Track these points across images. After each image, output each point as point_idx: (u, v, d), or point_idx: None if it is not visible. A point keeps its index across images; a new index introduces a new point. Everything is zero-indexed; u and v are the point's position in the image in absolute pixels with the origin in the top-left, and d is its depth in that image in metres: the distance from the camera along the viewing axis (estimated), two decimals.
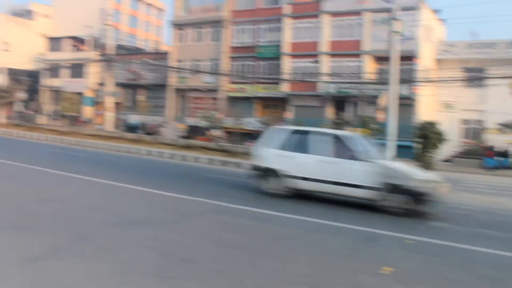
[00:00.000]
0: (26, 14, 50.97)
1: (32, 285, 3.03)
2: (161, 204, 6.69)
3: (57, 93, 37.10)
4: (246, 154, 15.55)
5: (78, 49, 37.37)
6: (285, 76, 26.58)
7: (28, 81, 34.84)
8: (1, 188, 7.18)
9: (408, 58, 21.06)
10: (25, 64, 36.97)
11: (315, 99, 25.96)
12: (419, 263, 4.61)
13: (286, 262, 4.11)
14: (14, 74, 33.50)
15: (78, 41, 37.41)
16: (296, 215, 6.36)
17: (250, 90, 28.28)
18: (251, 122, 26.56)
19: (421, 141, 18.14)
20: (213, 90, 29.30)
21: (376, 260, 4.52)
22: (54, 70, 36.79)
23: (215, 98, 29.39)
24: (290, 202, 7.75)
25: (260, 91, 28.09)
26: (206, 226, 5.35)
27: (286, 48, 26.87)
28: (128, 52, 37.38)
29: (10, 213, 5.27)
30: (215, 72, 28.99)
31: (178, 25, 31.53)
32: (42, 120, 33.07)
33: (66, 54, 36.41)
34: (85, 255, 3.82)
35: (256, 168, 8.35)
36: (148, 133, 25.74)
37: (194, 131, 27.57)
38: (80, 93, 34.89)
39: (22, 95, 33.49)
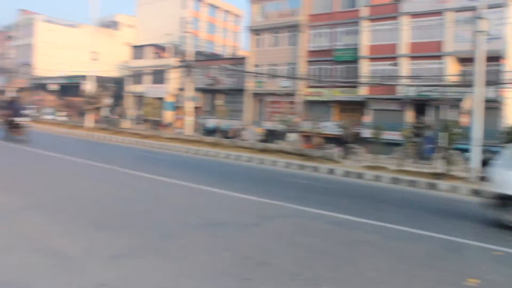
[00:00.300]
0: (112, 25, 61.66)
1: (119, 281, 3.81)
2: (239, 206, 7.74)
3: (140, 98, 44.89)
4: (323, 158, 17.66)
5: (160, 56, 45.17)
6: (363, 80, 30.40)
7: (114, 87, 45.13)
8: (88, 188, 8.55)
9: (494, 58, 23.01)
10: (111, 71, 44.82)
11: (394, 103, 29.51)
12: (508, 276, 4.93)
13: (364, 268, 4.61)
14: (101, 81, 43.98)
15: (159, 49, 45.78)
16: (374, 221, 6.98)
17: (327, 94, 32.88)
18: (328, 126, 30.75)
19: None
20: (290, 94, 34.56)
21: (460, 270, 4.87)
22: (137, 76, 44.76)
23: (292, 102, 34.57)
24: (366, 206, 8.85)
25: (337, 94, 32.50)
26: (283, 229, 6.13)
27: (363, 51, 31.06)
28: (206, 58, 44.10)
29: (97, 212, 6.29)
30: (292, 77, 34.05)
31: (255, 31, 37.76)
32: (126, 124, 42.45)
33: (148, 61, 44.90)
34: (167, 254, 4.60)
35: (493, 196, 7.81)
36: (228, 137, 29.86)
37: (271, 135, 32.49)
38: (161, 98, 42.49)
39: (108, 100, 43.69)
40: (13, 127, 17.47)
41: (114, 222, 5.90)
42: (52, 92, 54.48)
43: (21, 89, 58.57)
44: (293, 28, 35.88)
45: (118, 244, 4.87)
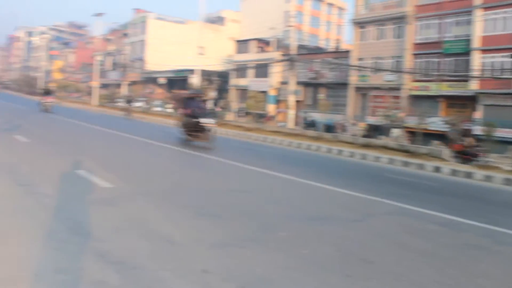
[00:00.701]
0: (218, 20, 68.11)
1: (222, 269, 4.07)
2: (341, 201, 8.03)
3: (243, 91, 49.23)
4: (429, 155, 17.98)
5: (263, 50, 49.18)
6: (475, 73, 30.94)
7: (219, 81, 50.87)
8: (194, 177, 9.39)
9: None
10: (216, 65, 49.93)
11: (510, 98, 29.91)
12: None
13: (474, 274, 4.63)
14: (207, 75, 49.75)
15: (263, 43, 49.89)
16: (485, 224, 6.95)
17: (435, 88, 33.87)
18: (435, 122, 31.49)
19: None
20: (395, 89, 36.03)
21: None
22: (241, 70, 49.23)
23: (396, 97, 35.95)
24: (475, 207, 8.91)
25: (445, 89, 33.42)
26: (386, 227, 6.33)
27: (476, 42, 31.60)
28: (309, 51, 47.12)
29: (201, 202, 6.84)
30: (397, 70, 35.49)
31: (359, 23, 39.84)
32: (229, 116, 48.29)
33: (252, 55, 49.08)
34: (269, 246, 4.87)
35: None
36: (331, 131, 31.48)
37: (374, 130, 33.93)
38: (264, 92, 46.29)
39: (213, 93, 49.34)
40: (196, 130, 15.52)
41: (218, 211, 6.33)
42: (161, 85, 62.30)
43: (133, 83, 67.64)
44: (399, 20, 37.42)
45: (222, 233, 5.24)
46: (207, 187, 8.32)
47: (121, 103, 44.40)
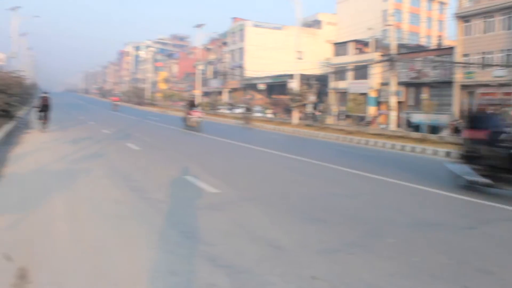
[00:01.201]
0: (314, 24, 70.35)
1: (331, 275, 4.11)
2: (451, 206, 7.80)
3: (342, 94, 49.71)
4: None
5: (362, 52, 49.13)
6: None
7: (318, 84, 52.32)
8: (299, 182, 9.54)
9: None
10: (314, 69, 52.75)
11: None
12: None
13: None
14: (305, 79, 51.32)
15: (361, 44, 49.87)
16: None
17: None
18: None
19: None
20: (507, 85, 34.39)
21: None
22: (339, 73, 49.69)
23: (508, 93, 34.52)
24: None
25: None
26: (504, 235, 6.03)
27: None
28: (410, 50, 46.26)
29: (308, 206, 7.02)
30: (509, 65, 34.22)
31: (463, 17, 38.55)
32: (329, 120, 49.47)
33: (350, 57, 49.30)
34: (377, 252, 4.85)
35: None
36: (436, 133, 31.33)
37: None
38: (364, 94, 46.58)
39: (312, 98, 50.78)
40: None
41: (324, 216, 6.40)
42: (260, 91, 65.14)
43: (233, 90, 71.36)
44: (509, 9, 35.95)
45: (329, 239, 5.30)
46: (311, 192, 8.52)
47: (240, 111, 47.87)
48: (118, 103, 51.60)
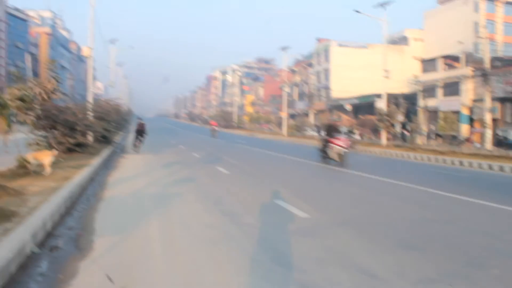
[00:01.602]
0: (401, 41, 68.92)
1: None
2: None
3: (432, 113, 48.34)
4: None
5: (452, 67, 47.08)
6: None
7: (406, 103, 51.54)
8: (391, 206, 9.28)
9: None
10: (402, 87, 53.03)
11: None
12: None
13: None
14: (393, 98, 50.70)
15: (451, 59, 47.95)
16: None
17: None
18: None
19: None
20: None
21: None
22: (429, 90, 48.63)
23: None
24: None
25: None
26: None
27: None
28: (505, 63, 43.02)
29: (402, 232, 6.80)
30: None
31: None
32: (419, 140, 48.18)
33: (440, 74, 47.57)
34: (480, 285, 4.59)
35: None
36: None
37: None
38: (456, 111, 44.44)
39: (400, 117, 49.90)
40: None
41: (420, 243, 6.14)
42: (347, 112, 64.94)
43: (319, 111, 71.71)
44: None
45: (427, 268, 5.06)
46: (404, 217, 8.25)
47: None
48: (217, 128, 48.29)
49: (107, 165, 16.42)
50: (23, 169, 10.59)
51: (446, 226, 7.62)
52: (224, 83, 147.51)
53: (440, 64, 49.64)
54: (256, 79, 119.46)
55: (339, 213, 8.46)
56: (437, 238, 6.61)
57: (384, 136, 36.50)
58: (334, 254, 5.59)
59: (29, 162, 10.69)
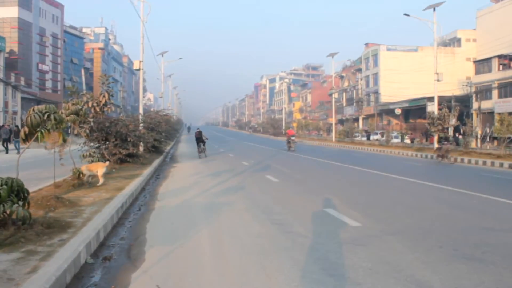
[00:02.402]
0: (452, 42, 67.29)
1: None
2: None
3: (488, 115, 47.11)
4: None
5: (508, 67, 45.34)
6: None
7: (458, 106, 50.04)
8: (444, 214, 8.91)
9: None
10: (454, 90, 51.74)
11: None
12: None
13: None
14: (445, 101, 49.32)
15: (506, 59, 46.15)
16: None
17: None
18: None
19: None
20: None
21: None
22: (483, 92, 47.54)
23: None
24: None
25: None
26: None
27: None
28: None
29: (456, 242, 6.51)
30: None
31: None
32: (473, 144, 46.65)
33: (495, 75, 45.84)
34: None
35: None
36: None
37: None
38: None
39: (453, 120, 48.65)
40: None
41: (478, 254, 5.87)
42: (396, 116, 63.60)
43: (369, 116, 70.62)
44: None
45: (486, 281, 4.82)
46: (460, 225, 7.85)
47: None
48: (295, 138, 35.46)
49: (158, 175, 16.76)
50: (78, 180, 10.97)
51: (506, 235, 7.26)
52: (272, 91, 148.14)
53: (495, 64, 47.83)
54: (304, 85, 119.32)
55: (392, 221, 8.18)
56: (496, 248, 6.24)
57: (436, 140, 35.40)
58: (388, 265, 5.41)
59: (83, 174, 11.08)
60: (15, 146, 27.48)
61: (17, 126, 37.94)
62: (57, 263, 4.76)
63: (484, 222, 8.25)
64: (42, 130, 6.33)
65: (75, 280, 4.96)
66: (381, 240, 6.72)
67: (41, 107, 6.43)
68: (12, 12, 57.56)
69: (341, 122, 78.80)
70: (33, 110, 6.21)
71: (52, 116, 6.24)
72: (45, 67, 64.31)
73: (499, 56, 47.64)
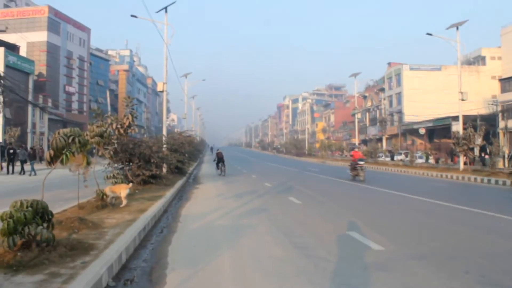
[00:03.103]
0: (477, 60, 66.16)
1: None
2: None
3: None
4: None
5: None
6: None
7: (484, 125, 49.24)
8: (472, 238, 8.73)
9: None
10: (479, 109, 50.82)
11: None
12: None
13: None
14: (470, 120, 48.68)
15: None
16: None
17: None
18: None
19: None
20: None
21: None
22: (509, 111, 49.38)
23: None
24: None
25: None
26: None
27: None
28: None
29: (483, 268, 6.33)
30: None
31: None
32: (500, 164, 45.83)
33: None
34: None
35: None
36: None
37: None
38: None
39: (479, 140, 47.83)
40: None
41: (506, 281, 5.73)
42: (421, 136, 62.86)
43: (392, 136, 69.94)
44: None
45: None
46: (488, 250, 7.66)
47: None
48: (364, 164, 26.27)
49: (181, 196, 16.83)
50: (101, 202, 11.10)
51: None
52: (295, 111, 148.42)
53: None
54: (327, 106, 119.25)
55: (416, 245, 8.02)
56: None
57: (462, 160, 34.81)
58: None
59: (106, 195, 11.20)
60: (31, 167, 27.97)
61: (31, 148, 38.77)
62: (79, 286, 4.78)
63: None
64: (67, 153, 6.43)
65: None
66: (405, 265, 6.57)
67: (66, 130, 6.56)
68: (41, 36, 59.43)
69: (364, 142, 78.28)
70: (58, 133, 6.35)
71: (76, 139, 6.36)
72: (71, 89, 65.86)
73: None
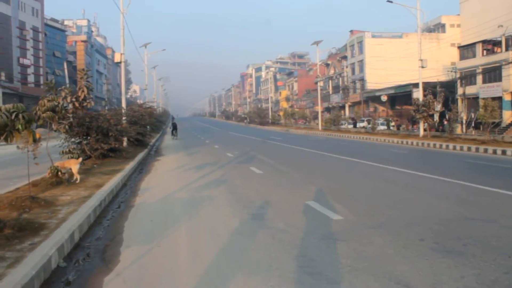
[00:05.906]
0: (437, 28, 67.48)
1: None
2: None
3: (472, 100, 49.22)
4: None
5: (492, 52, 45.14)
6: None
7: (443, 92, 50.20)
8: (425, 205, 8.73)
9: None
10: (439, 76, 52.50)
11: None
12: None
13: None
14: (430, 87, 49.53)
15: (490, 44, 46.18)
16: None
17: None
18: None
19: None
20: None
21: None
22: (467, 78, 49.65)
23: None
24: None
25: None
26: None
27: None
28: None
29: (437, 234, 6.33)
30: None
31: None
32: (459, 130, 46.92)
33: (479, 60, 45.70)
34: None
35: None
36: None
37: None
38: (498, 98, 43.78)
39: (438, 106, 48.90)
40: None
41: (459, 247, 5.75)
42: (383, 103, 63.74)
43: (355, 104, 70.70)
44: None
45: (467, 276, 4.68)
46: (441, 216, 7.68)
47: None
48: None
49: (141, 169, 16.57)
50: (57, 178, 10.75)
51: (488, 225, 7.09)
52: (258, 80, 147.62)
53: (479, 49, 47.96)
54: (290, 74, 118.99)
55: (375, 213, 8.04)
56: (477, 240, 6.16)
57: (421, 126, 35.55)
58: (367, 261, 5.32)
59: (62, 171, 10.85)
60: None
61: None
62: (24, 270, 4.58)
63: (466, 212, 8.10)
64: (11, 131, 6.09)
65: (44, 286, 4.81)
66: (362, 234, 6.61)
67: (9, 106, 6.19)
68: None
69: (327, 110, 78.88)
70: (0, 109, 5.98)
71: (20, 115, 6.00)
72: (26, 61, 63.24)
73: (483, 41, 47.78)
